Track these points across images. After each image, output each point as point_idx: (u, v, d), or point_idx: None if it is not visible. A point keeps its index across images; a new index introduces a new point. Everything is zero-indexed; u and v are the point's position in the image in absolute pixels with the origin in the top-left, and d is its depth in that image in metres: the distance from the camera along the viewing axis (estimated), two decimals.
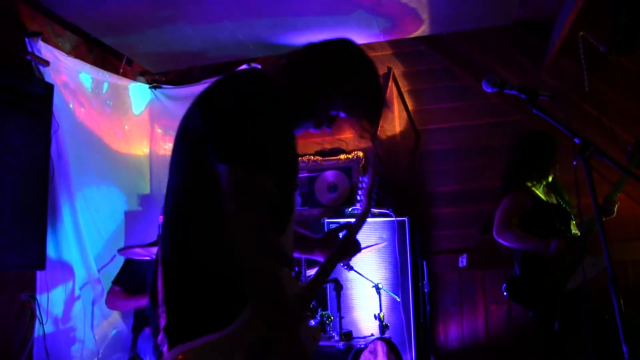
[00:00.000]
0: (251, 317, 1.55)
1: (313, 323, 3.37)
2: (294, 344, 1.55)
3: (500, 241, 3.47)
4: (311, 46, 1.85)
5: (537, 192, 3.56)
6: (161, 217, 2.63)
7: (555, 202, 3.59)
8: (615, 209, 3.45)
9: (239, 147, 1.52)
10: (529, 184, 3.56)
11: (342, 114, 1.84)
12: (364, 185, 2.29)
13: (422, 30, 4.57)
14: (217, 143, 1.54)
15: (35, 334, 3.78)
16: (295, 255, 1.96)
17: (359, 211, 2.26)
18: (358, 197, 2.30)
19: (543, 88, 2.22)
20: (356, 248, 2.14)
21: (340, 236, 2.12)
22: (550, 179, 3.60)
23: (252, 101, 1.57)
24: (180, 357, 1.45)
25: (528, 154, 3.59)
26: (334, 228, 2.15)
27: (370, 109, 1.85)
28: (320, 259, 2.06)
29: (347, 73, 1.78)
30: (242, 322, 1.54)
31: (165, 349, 1.51)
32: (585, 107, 4.64)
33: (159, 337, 1.54)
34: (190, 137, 1.63)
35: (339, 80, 1.77)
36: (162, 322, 1.56)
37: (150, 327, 1.64)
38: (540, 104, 2.15)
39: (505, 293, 3.41)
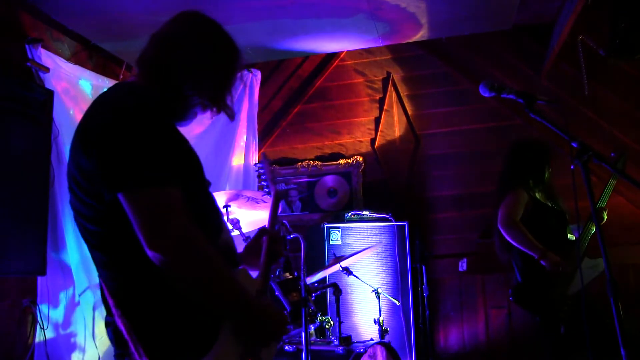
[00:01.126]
0: (230, 333, 1.56)
1: (312, 328, 3.37)
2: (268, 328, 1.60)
3: (505, 234, 3.50)
4: (154, 35, 1.76)
5: (537, 195, 3.60)
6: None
7: (553, 205, 3.62)
8: (605, 216, 3.48)
9: (125, 170, 1.44)
10: (528, 188, 3.60)
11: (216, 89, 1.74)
12: (262, 171, 2.22)
13: (421, 35, 4.57)
14: (104, 174, 1.46)
15: (37, 340, 3.78)
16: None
17: (270, 201, 2.18)
18: (264, 186, 2.21)
19: (542, 93, 2.22)
20: (281, 244, 2.04)
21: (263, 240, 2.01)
22: (544, 184, 3.64)
23: (121, 121, 1.48)
24: None
25: (523, 161, 3.66)
26: (252, 238, 2.05)
27: (212, 82, 1.73)
28: (249, 268, 1.95)
29: (198, 50, 1.71)
30: (224, 339, 1.55)
31: None
32: (584, 111, 4.65)
33: None
34: (82, 179, 1.53)
35: (181, 59, 1.69)
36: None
37: None
38: (539, 109, 2.16)
39: (511, 298, 3.44)
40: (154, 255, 1.40)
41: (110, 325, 1.61)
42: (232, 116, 1.80)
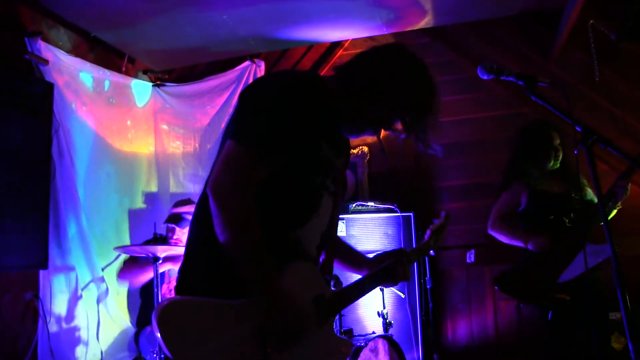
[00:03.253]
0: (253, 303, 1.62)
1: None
2: (285, 332, 1.62)
3: (494, 235, 3.60)
4: (361, 53, 1.90)
5: (537, 183, 3.52)
6: None
7: (562, 190, 3.53)
8: (626, 193, 3.34)
9: (242, 126, 1.66)
10: (527, 177, 3.53)
11: (395, 119, 1.82)
12: (434, 225, 2.33)
13: (426, 21, 4.49)
14: (229, 122, 1.73)
15: (39, 334, 3.77)
16: (342, 268, 1.98)
17: (421, 244, 2.27)
18: (426, 235, 2.29)
19: (551, 79, 2.14)
20: (405, 276, 2.10)
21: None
22: (554, 165, 3.55)
23: (273, 92, 1.69)
24: (168, 303, 1.52)
25: (522, 145, 3.63)
26: (387, 252, 2.13)
27: (417, 115, 1.81)
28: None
29: (392, 76, 1.79)
30: (246, 300, 1.61)
31: None
32: (595, 97, 4.53)
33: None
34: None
35: (384, 83, 1.78)
36: (178, 280, 1.73)
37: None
38: (540, 91, 2.08)
39: (496, 287, 3.44)
40: (209, 193, 1.62)
41: None
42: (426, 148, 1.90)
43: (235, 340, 1.57)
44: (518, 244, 3.45)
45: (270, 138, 1.63)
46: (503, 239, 3.54)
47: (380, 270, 2.03)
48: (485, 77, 2.17)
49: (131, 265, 4.02)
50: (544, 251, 3.33)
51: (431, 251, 2.29)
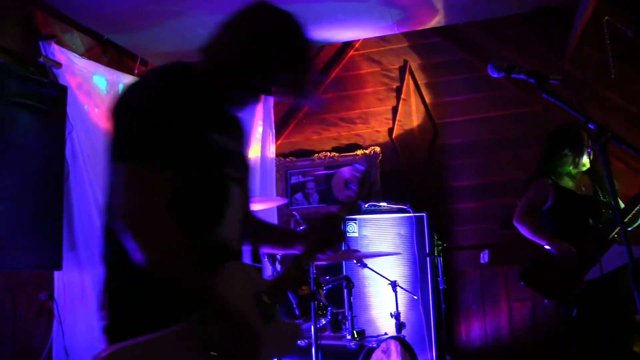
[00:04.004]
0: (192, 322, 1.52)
1: (324, 322, 3.30)
2: (230, 330, 1.54)
3: (518, 227, 3.57)
4: (221, 24, 1.75)
5: (565, 183, 3.51)
6: None
7: (590, 191, 3.52)
8: None
9: (128, 146, 1.56)
10: (554, 175, 3.55)
11: (270, 82, 1.72)
12: (356, 174, 2.14)
13: (437, 20, 4.46)
14: (109, 144, 1.60)
15: (54, 333, 3.80)
16: (275, 251, 1.90)
17: (347, 200, 2.10)
18: (349, 185, 2.17)
19: (565, 77, 2.10)
20: (340, 238, 1.99)
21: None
22: (583, 166, 3.54)
23: (143, 101, 1.59)
24: (104, 354, 1.38)
25: (552, 143, 3.61)
26: (317, 219, 2.00)
27: (289, 74, 1.71)
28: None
29: (254, 40, 1.67)
30: (182, 325, 1.51)
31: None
32: (611, 95, 4.48)
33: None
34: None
35: (248, 50, 1.67)
36: (103, 324, 1.60)
37: None
38: (552, 89, 2.05)
39: (521, 283, 3.43)
40: (117, 225, 1.52)
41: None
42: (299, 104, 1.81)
43: None
44: (539, 241, 3.44)
45: (160, 150, 1.55)
46: (526, 232, 3.52)
47: (313, 243, 1.92)
48: (495, 75, 2.13)
49: None
50: (563, 257, 3.31)
51: (362, 203, 2.15)
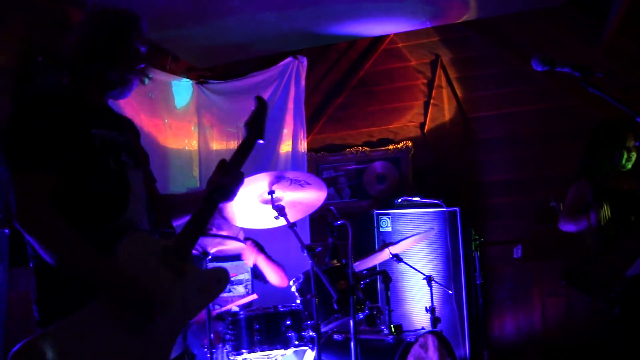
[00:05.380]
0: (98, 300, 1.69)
1: (361, 316, 3.30)
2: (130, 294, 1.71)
3: (564, 229, 3.57)
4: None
5: (607, 180, 3.47)
6: None
7: (632, 188, 3.49)
8: None
9: (11, 154, 1.74)
10: (593, 174, 3.53)
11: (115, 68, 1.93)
12: (251, 108, 2.26)
13: (469, 15, 4.42)
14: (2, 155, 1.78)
15: None
16: (187, 218, 1.98)
17: (240, 143, 2.18)
18: (241, 126, 2.21)
19: (600, 70, 2.08)
20: (238, 179, 2.06)
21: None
22: (626, 165, 3.51)
23: (20, 114, 1.79)
24: (27, 344, 1.55)
25: (593, 142, 3.58)
26: (214, 172, 2.08)
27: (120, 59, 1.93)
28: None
29: (85, 39, 1.92)
30: (98, 301, 1.69)
31: None
32: None
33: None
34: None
35: (84, 50, 1.91)
36: (36, 319, 1.77)
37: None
38: (596, 83, 2.03)
39: (563, 282, 3.42)
40: (17, 226, 1.69)
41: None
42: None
43: (108, 340, 1.68)
44: (580, 227, 3.45)
45: (40, 155, 1.72)
46: (572, 228, 3.52)
47: (210, 192, 2.01)
48: (539, 69, 2.14)
49: None
50: (605, 254, 3.31)
51: (260, 140, 2.19)
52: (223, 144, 5.13)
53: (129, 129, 2.09)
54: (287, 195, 3.04)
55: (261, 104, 2.30)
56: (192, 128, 5.17)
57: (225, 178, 2.03)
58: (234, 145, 5.06)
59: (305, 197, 3.10)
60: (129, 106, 4.45)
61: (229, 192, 2.05)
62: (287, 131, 4.98)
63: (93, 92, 1.93)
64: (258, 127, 2.22)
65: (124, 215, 1.86)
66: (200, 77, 5.21)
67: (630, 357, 3.22)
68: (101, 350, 1.66)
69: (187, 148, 5.11)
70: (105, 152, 1.86)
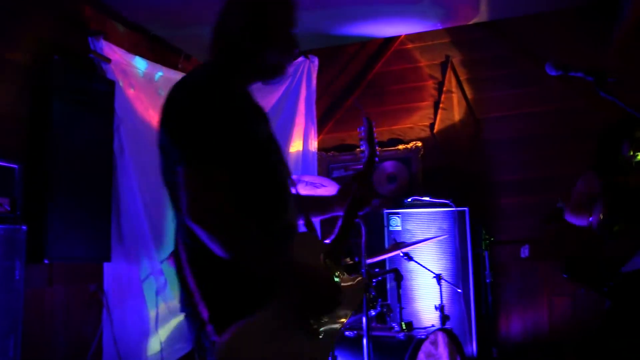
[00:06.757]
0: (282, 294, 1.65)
1: (373, 313, 3.34)
2: (322, 291, 1.67)
3: (569, 220, 3.57)
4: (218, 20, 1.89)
5: (612, 174, 3.49)
6: None
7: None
8: None
9: (188, 149, 1.62)
10: (602, 168, 3.52)
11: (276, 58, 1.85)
12: (362, 134, 2.25)
13: (480, 17, 4.46)
14: (173, 148, 1.66)
15: (104, 324, 3.90)
16: (316, 219, 2.00)
17: (365, 158, 2.21)
18: (361, 147, 2.25)
19: (612, 72, 2.11)
20: (371, 193, 2.08)
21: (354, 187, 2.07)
22: (638, 156, 3.52)
23: (190, 105, 1.66)
24: (230, 336, 1.54)
25: (601, 137, 3.58)
26: (346, 182, 2.10)
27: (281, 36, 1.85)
28: (340, 213, 2.03)
29: (251, 14, 1.81)
30: (278, 299, 1.64)
31: (216, 337, 1.60)
32: None
33: (208, 329, 1.63)
34: (164, 153, 1.73)
35: (250, 24, 1.80)
36: (205, 315, 1.66)
37: (191, 329, 1.72)
38: (609, 87, 2.06)
39: (564, 275, 3.43)
40: (192, 226, 1.58)
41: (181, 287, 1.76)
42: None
43: (289, 340, 1.64)
44: (584, 222, 3.44)
45: (221, 149, 1.63)
46: (574, 222, 3.53)
47: (350, 204, 2.00)
48: (553, 74, 2.17)
49: None
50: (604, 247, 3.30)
51: (376, 158, 2.25)
52: None
53: (267, 118, 1.95)
54: None
55: (369, 122, 2.32)
56: None
57: (365, 191, 2.05)
58: None
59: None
60: (139, 102, 4.48)
61: (368, 205, 2.06)
62: (298, 130, 5.01)
63: (242, 79, 1.85)
64: (373, 145, 2.27)
65: (287, 214, 1.82)
66: None
67: (615, 352, 3.23)
68: (283, 350, 1.63)
69: None
70: (267, 148, 1.81)
